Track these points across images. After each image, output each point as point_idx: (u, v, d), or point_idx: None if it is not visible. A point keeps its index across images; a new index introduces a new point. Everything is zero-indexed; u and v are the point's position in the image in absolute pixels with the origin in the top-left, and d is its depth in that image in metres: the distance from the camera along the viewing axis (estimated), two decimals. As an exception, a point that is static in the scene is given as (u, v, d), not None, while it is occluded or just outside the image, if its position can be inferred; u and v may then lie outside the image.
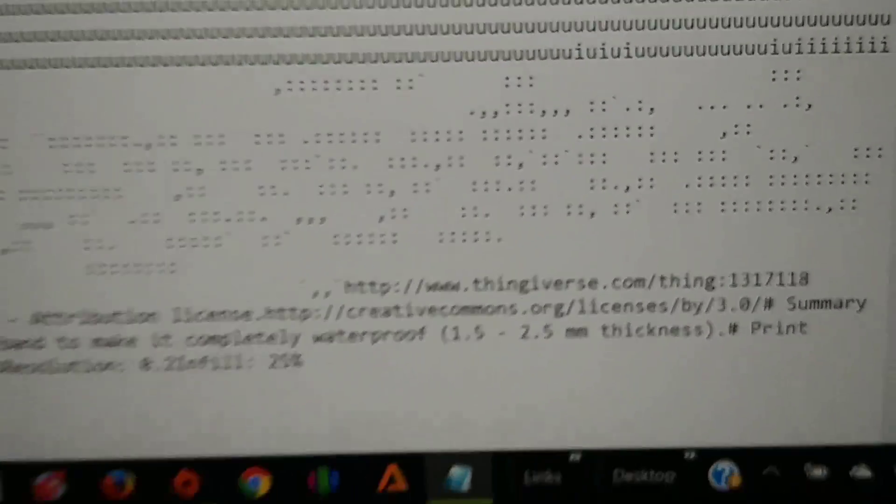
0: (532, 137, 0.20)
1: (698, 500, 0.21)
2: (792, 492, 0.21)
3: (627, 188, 0.20)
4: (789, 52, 0.19)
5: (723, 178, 0.20)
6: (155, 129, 0.20)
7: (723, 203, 0.20)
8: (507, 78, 0.19)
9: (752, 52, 0.19)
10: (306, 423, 0.21)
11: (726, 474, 0.21)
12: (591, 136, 0.20)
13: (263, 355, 0.21)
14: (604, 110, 0.20)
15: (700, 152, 0.20)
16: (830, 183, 0.20)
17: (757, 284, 0.20)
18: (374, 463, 0.21)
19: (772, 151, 0.20)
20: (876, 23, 0.19)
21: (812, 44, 0.19)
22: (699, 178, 0.20)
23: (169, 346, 0.20)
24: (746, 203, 0.20)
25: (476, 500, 0.21)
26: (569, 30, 0.19)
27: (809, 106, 0.20)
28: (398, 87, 0.20)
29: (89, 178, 0.20)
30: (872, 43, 0.19)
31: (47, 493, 0.21)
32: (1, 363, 0.21)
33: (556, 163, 0.20)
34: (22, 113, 0.20)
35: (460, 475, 0.21)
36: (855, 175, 0.20)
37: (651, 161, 0.20)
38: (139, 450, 0.21)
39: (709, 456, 0.21)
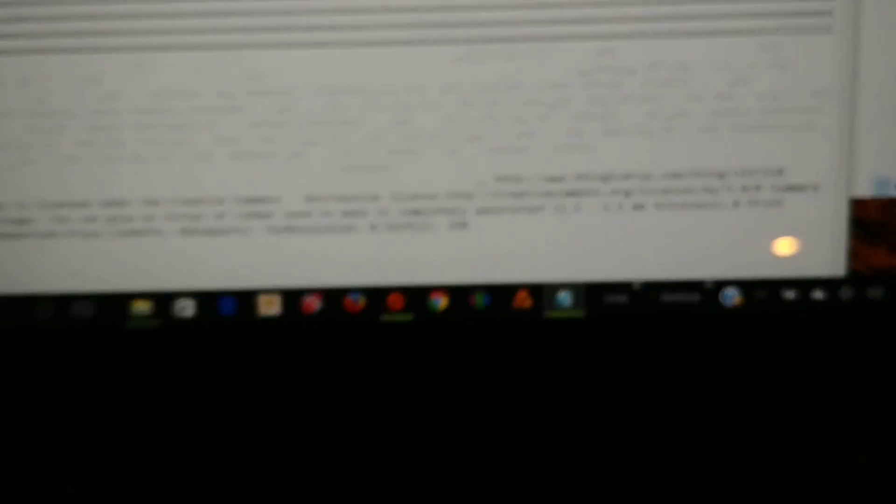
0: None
1: (714, 314, 0.34)
2: (775, 308, 0.34)
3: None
4: None
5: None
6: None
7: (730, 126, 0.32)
8: None
9: None
10: (472, 268, 0.34)
11: (732, 296, 0.34)
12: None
13: (444, 223, 0.33)
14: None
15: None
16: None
17: (751, 175, 0.33)
18: (510, 289, 0.34)
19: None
20: None
21: None
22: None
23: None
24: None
25: (574, 311, 0.34)
26: None
27: None
28: None
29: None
30: None
31: (310, 308, 0.35)
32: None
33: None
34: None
35: (565, 297, 0.34)
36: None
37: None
38: (372, 279, 0.34)
39: (720, 284, 0.34)
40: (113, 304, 0.34)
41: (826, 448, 0.34)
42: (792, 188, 0.33)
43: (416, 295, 0.35)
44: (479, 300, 0.35)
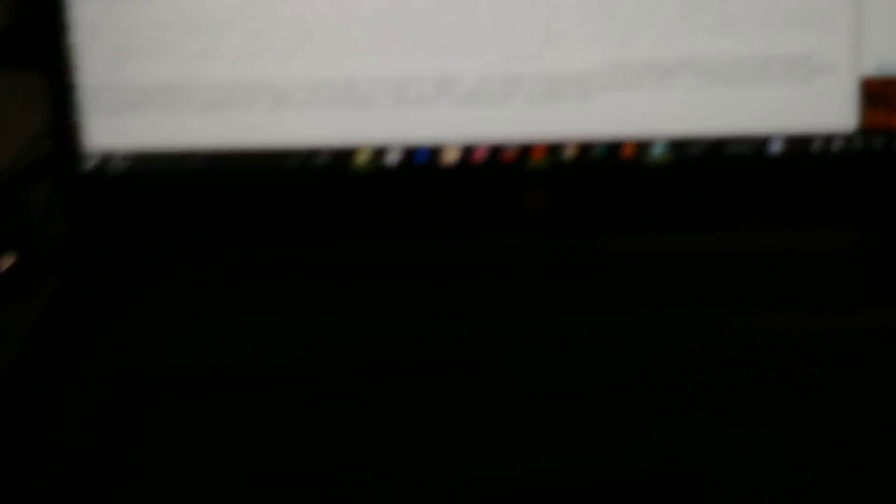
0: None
1: (763, 160, 0.48)
2: (806, 154, 0.48)
3: None
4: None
5: None
6: None
7: None
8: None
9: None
10: (593, 128, 0.49)
11: (776, 147, 0.48)
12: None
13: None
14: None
15: None
16: None
17: (789, 58, 0.47)
18: (619, 144, 0.49)
19: None
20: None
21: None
22: None
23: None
24: None
25: (664, 159, 0.49)
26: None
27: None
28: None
29: None
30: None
31: (479, 157, 0.49)
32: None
33: None
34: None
35: (658, 148, 0.49)
36: None
37: None
38: (522, 136, 0.49)
39: (768, 138, 0.48)
40: (341, 156, 0.50)
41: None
42: (818, 69, 0.48)
43: (553, 148, 0.49)
44: (598, 151, 0.49)
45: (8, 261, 0.55)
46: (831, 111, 0.48)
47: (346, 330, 0.46)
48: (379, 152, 0.50)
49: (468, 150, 0.50)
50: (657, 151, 0.49)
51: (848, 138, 0.49)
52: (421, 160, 0.50)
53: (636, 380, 0.42)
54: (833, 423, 0.40)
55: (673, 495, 0.35)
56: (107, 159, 0.51)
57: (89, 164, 0.51)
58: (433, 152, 0.50)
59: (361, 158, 0.50)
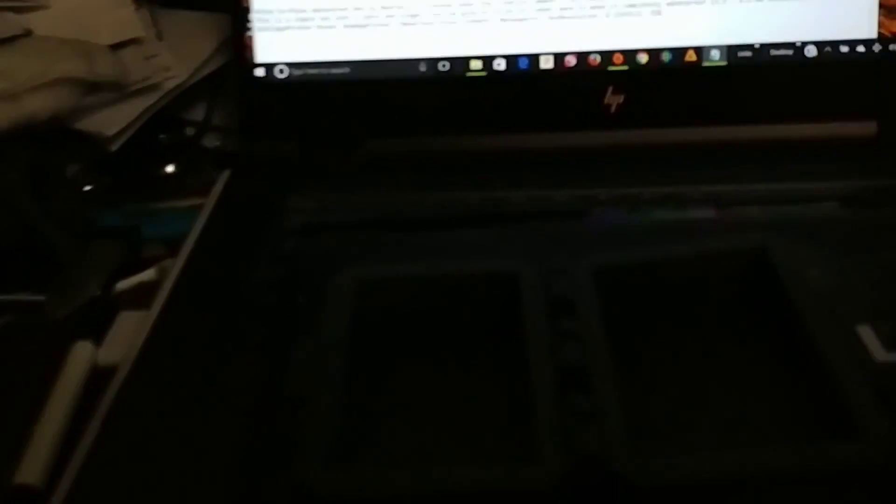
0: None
1: (801, 62, 0.60)
2: (836, 56, 0.60)
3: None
4: None
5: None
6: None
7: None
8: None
9: None
10: (662, 38, 0.61)
11: (811, 51, 0.60)
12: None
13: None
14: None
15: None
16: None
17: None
18: (684, 50, 0.61)
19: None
20: None
21: None
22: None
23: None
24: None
25: (720, 62, 0.61)
26: None
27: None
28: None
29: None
30: None
31: (569, 64, 0.62)
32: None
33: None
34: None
35: (715, 53, 0.61)
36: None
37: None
38: (603, 46, 0.61)
39: (805, 44, 0.60)
40: (459, 63, 0.62)
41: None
42: (844, -13, 0.60)
43: (629, 54, 0.62)
44: (666, 57, 0.61)
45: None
46: (856, 22, 0.60)
47: (471, 194, 0.58)
48: (489, 60, 0.62)
49: (560, 58, 0.62)
50: (714, 56, 0.61)
51: (868, 44, 0.60)
52: (522, 66, 0.62)
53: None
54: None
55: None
56: (271, 69, 0.64)
57: (258, 73, 0.64)
58: (532, 59, 0.62)
59: (475, 65, 0.62)
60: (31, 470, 0.41)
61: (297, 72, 0.63)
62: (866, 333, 0.42)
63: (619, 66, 0.62)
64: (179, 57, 0.68)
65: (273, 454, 0.36)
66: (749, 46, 0.61)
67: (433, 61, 0.63)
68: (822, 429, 0.34)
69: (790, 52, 0.61)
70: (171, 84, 0.67)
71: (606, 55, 0.62)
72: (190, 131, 0.70)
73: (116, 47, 0.66)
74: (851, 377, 0.34)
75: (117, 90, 0.65)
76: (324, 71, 0.63)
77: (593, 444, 0.33)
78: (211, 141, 0.70)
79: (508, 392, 0.38)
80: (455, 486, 0.32)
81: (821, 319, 0.38)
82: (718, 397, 0.37)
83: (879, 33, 0.60)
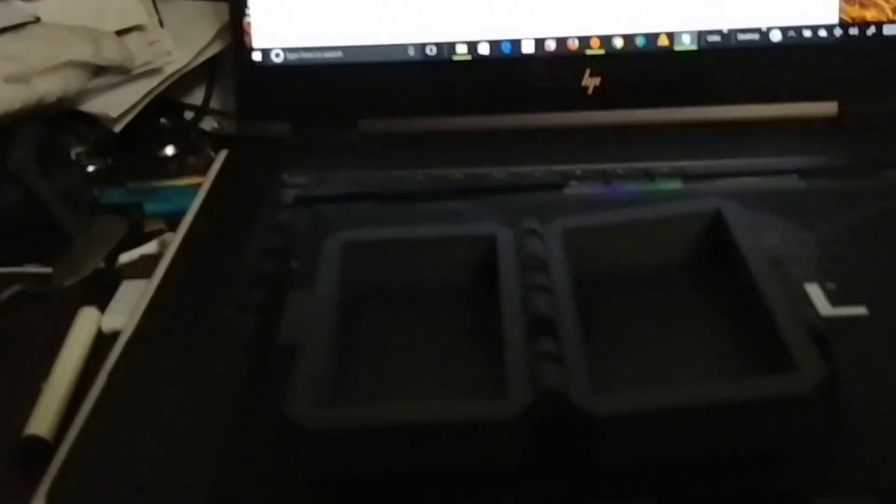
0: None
1: (765, 45, 0.64)
2: (800, 40, 0.63)
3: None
4: None
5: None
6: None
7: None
8: None
9: None
10: (635, 24, 0.64)
11: (777, 35, 0.64)
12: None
13: None
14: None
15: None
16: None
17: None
18: (656, 35, 0.64)
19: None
20: None
21: None
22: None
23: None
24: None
25: (691, 46, 0.64)
26: None
27: None
28: None
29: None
30: None
31: (549, 48, 0.65)
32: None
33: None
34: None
35: (686, 37, 0.64)
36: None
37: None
38: (580, 32, 0.65)
39: (770, 28, 0.64)
40: (446, 48, 0.66)
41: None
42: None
43: (606, 39, 0.65)
44: (640, 41, 0.65)
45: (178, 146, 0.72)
46: (818, 8, 0.64)
47: (456, 171, 0.62)
48: (474, 45, 0.66)
49: (541, 43, 0.66)
50: (685, 41, 0.65)
51: (830, 28, 0.64)
52: (505, 51, 0.66)
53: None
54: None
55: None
56: (268, 53, 0.67)
57: (255, 57, 0.67)
58: (514, 44, 0.66)
59: (461, 49, 0.66)
60: (40, 424, 0.45)
61: (293, 56, 0.67)
62: (814, 290, 0.46)
63: (596, 50, 0.66)
64: (180, 42, 0.72)
65: (268, 397, 0.40)
66: (718, 32, 0.65)
67: (421, 46, 0.66)
68: (765, 366, 0.37)
69: (756, 36, 0.64)
70: (172, 68, 0.71)
71: (584, 40, 0.65)
72: (189, 115, 0.74)
73: (121, 33, 0.69)
74: (791, 321, 0.38)
75: (122, 73, 0.69)
76: (318, 55, 0.67)
77: (556, 381, 0.36)
78: (209, 123, 0.73)
79: (484, 339, 0.41)
80: (429, 418, 0.35)
81: (769, 274, 0.41)
82: (672, 342, 0.41)
83: (840, 18, 0.64)
